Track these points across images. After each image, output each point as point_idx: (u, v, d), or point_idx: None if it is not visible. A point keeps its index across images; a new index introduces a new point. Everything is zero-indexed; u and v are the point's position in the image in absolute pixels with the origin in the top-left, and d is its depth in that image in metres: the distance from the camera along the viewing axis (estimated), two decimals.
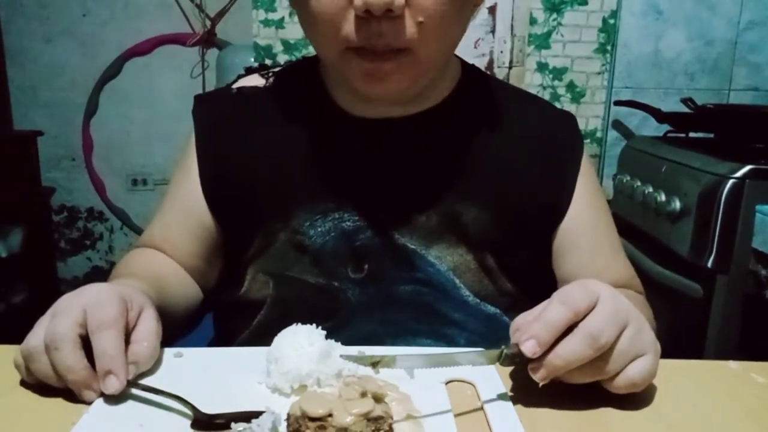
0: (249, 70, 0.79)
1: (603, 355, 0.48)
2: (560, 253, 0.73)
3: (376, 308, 0.68)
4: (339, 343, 0.55)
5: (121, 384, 0.49)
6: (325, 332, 0.54)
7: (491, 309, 0.70)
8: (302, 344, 0.52)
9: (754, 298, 1.29)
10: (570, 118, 0.77)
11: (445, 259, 0.68)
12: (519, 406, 0.51)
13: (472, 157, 0.70)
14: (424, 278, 0.68)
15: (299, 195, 0.69)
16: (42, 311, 0.53)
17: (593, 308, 0.49)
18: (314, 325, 0.55)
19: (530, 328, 0.48)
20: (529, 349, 0.48)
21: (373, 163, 0.69)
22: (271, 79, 0.75)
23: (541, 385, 0.49)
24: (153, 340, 0.53)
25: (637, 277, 0.78)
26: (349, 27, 0.57)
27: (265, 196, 0.70)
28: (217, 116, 0.74)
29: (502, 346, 0.50)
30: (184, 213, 0.73)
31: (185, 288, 0.72)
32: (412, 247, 0.68)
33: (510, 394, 0.52)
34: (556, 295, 0.50)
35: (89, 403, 0.49)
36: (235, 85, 0.76)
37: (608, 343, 0.48)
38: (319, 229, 0.68)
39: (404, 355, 0.50)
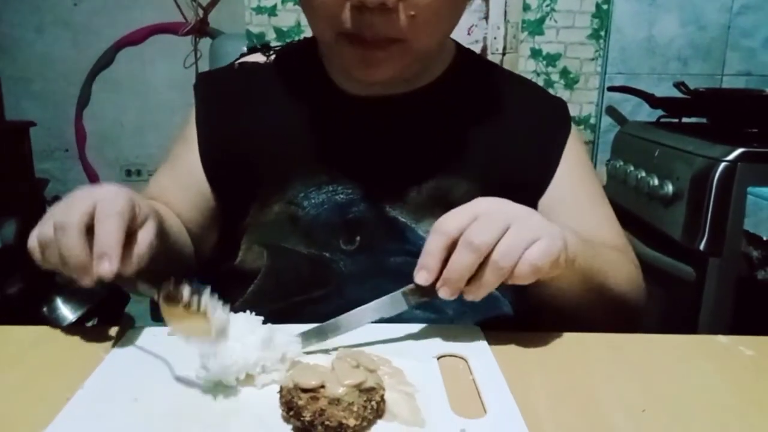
0: (251, 50, 0.81)
1: (492, 256, 0.51)
2: None
3: (367, 278, 0.69)
4: (278, 326, 0.53)
5: (111, 269, 0.49)
6: (262, 317, 0.53)
7: None
8: (243, 333, 0.50)
9: (746, 280, 1.30)
10: (560, 103, 0.79)
11: None
12: (510, 380, 0.51)
13: (462, 134, 0.72)
14: (415, 250, 0.69)
15: (295, 167, 0.70)
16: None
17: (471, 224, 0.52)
18: (250, 311, 0.54)
19: (419, 262, 0.54)
20: (421, 278, 0.53)
21: (366, 139, 0.71)
22: (272, 57, 0.77)
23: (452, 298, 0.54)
24: (145, 249, 0.53)
25: (629, 246, 0.77)
26: (343, 14, 0.60)
27: (263, 167, 0.71)
28: (219, 90, 0.77)
29: (400, 290, 0.55)
30: (182, 180, 0.74)
31: (183, 235, 0.72)
32: (403, 220, 0.70)
33: (501, 367, 0.53)
34: (433, 225, 0.54)
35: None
36: (237, 62, 0.78)
37: (485, 242, 0.51)
38: (313, 201, 0.70)
39: (324, 325, 0.55)
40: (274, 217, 0.70)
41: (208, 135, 0.74)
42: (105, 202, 0.51)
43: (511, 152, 0.73)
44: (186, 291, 0.51)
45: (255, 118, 0.73)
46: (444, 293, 0.53)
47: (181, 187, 0.74)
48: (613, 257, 0.69)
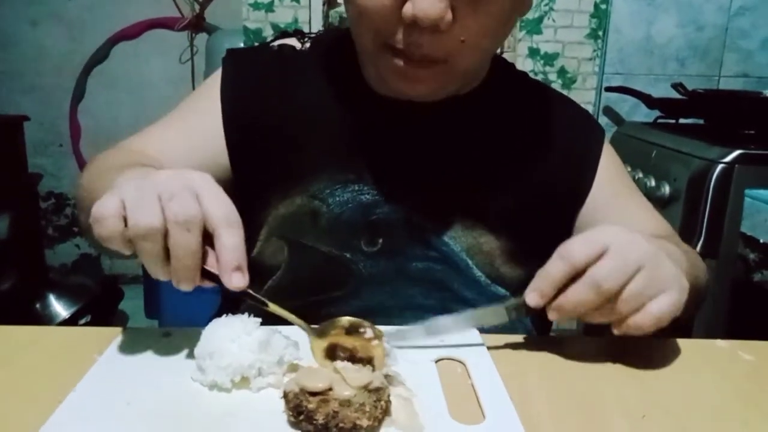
0: (284, 34, 0.79)
1: (614, 298, 0.51)
2: (589, 227, 0.73)
3: (386, 282, 0.68)
4: (276, 328, 0.52)
5: (245, 282, 0.47)
6: (260, 320, 0.51)
7: (501, 291, 0.71)
8: (239, 335, 0.49)
9: (743, 282, 1.30)
10: (589, 117, 0.80)
11: (460, 240, 0.69)
12: (509, 384, 0.50)
13: (496, 146, 0.72)
14: (438, 256, 0.69)
15: (322, 161, 0.69)
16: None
17: (601, 256, 0.51)
18: (247, 314, 0.52)
19: (534, 282, 0.54)
20: (532, 299, 0.53)
21: (397, 141, 0.70)
22: (307, 44, 0.76)
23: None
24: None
25: (676, 234, 0.78)
26: (392, 29, 0.58)
27: (288, 155, 0.70)
28: (251, 68, 0.74)
29: (506, 302, 0.55)
30: (194, 142, 0.71)
31: None
32: (428, 226, 0.69)
33: (500, 371, 0.52)
34: (558, 249, 0.53)
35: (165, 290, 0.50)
36: (273, 43, 0.77)
37: (612, 288, 0.50)
38: (338, 199, 0.69)
39: (396, 330, 0.52)
40: (295, 210, 0.69)
41: (236, 110, 0.71)
42: (223, 207, 0.47)
43: (544, 166, 0.72)
44: (371, 329, 0.51)
45: (287, 102, 0.71)
46: (553, 316, 0.54)
47: (192, 149, 0.70)
48: (691, 255, 0.69)
